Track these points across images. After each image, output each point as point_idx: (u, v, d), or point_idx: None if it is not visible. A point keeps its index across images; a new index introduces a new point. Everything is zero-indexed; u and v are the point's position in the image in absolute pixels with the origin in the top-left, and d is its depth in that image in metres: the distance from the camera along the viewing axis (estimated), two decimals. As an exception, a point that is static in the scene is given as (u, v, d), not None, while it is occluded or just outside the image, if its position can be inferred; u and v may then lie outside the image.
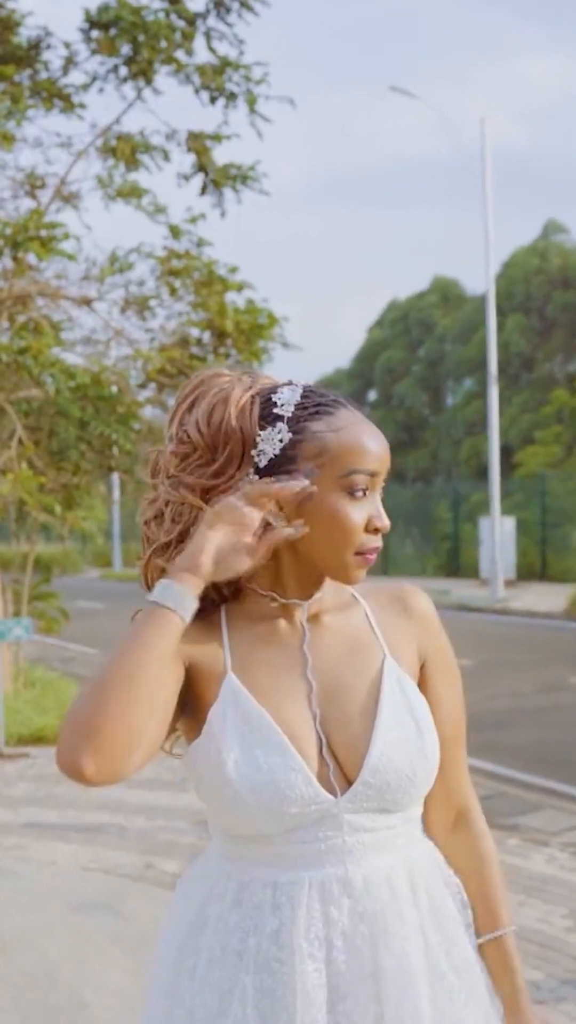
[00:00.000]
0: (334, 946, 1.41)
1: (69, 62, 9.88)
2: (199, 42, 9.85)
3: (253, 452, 1.45)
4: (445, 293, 37.37)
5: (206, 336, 10.41)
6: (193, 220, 10.14)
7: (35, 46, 9.91)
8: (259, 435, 1.45)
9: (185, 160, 10.16)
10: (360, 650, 1.51)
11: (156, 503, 1.51)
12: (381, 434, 1.48)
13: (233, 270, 10.15)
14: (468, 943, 1.52)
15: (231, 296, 10.15)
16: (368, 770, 1.42)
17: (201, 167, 10.14)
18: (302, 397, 1.47)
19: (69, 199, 10.28)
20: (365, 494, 1.45)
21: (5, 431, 9.61)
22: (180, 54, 9.70)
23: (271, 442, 1.45)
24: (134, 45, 9.51)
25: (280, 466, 1.44)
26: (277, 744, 1.41)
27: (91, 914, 4.43)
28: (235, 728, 1.42)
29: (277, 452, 1.44)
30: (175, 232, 10.11)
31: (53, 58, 9.99)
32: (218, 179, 10.13)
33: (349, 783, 1.43)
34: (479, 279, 34.77)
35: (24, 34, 9.88)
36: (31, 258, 9.21)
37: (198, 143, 10.04)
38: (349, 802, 1.43)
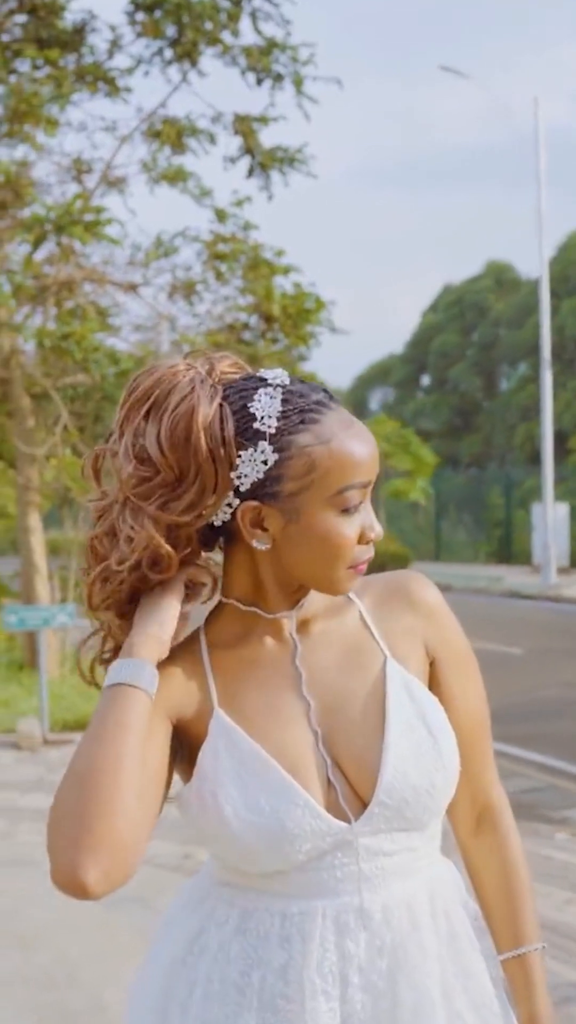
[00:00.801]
0: (350, 983, 1.29)
1: (114, 45, 9.86)
2: (245, 23, 9.78)
3: (233, 475, 1.28)
4: (499, 277, 37.04)
5: (253, 320, 10.35)
6: (239, 203, 10.08)
7: (80, 30, 9.89)
8: (239, 456, 1.28)
9: (231, 143, 10.18)
10: (358, 656, 1.38)
11: (108, 517, 1.33)
12: (369, 433, 1.33)
13: (280, 253, 10.08)
14: (485, 972, 1.40)
15: (278, 280, 10.08)
16: (383, 789, 1.30)
17: (248, 150, 10.08)
18: (283, 403, 1.29)
19: (115, 184, 10.26)
20: (358, 508, 1.31)
21: (50, 417, 9.63)
22: (226, 35, 9.63)
23: (253, 464, 1.28)
24: (179, 27, 9.46)
25: (264, 487, 1.28)
26: (277, 781, 1.28)
27: (119, 908, 4.35)
28: (230, 768, 1.30)
29: (261, 476, 1.28)
30: (221, 216, 10.05)
31: (98, 42, 9.98)
32: (265, 162, 10.06)
33: (362, 802, 1.31)
34: (533, 263, 34.36)
35: (69, 18, 9.88)
36: (77, 244, 9.19)
37: (244, 125, 9.97)
38: (365, 826, 1.30)
